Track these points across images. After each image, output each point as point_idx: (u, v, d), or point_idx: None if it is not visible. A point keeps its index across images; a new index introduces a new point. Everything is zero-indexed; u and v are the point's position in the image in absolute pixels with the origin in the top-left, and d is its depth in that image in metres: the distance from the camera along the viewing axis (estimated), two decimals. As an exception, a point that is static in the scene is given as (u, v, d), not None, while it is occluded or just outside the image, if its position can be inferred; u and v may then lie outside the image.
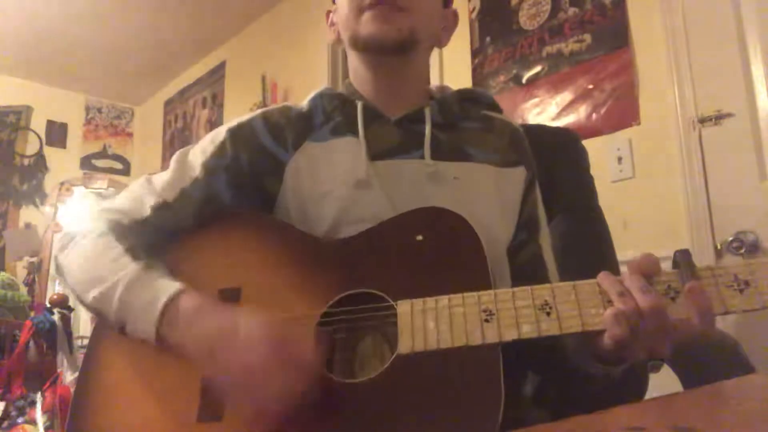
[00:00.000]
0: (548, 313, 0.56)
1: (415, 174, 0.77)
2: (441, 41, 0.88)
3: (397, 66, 0.82)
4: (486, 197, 0.78)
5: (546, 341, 0.57)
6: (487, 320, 0.57)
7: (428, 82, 0.89)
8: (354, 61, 0.85)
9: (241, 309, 0.65)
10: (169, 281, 0.67)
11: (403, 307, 0.60)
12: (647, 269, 0.56)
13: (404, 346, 0.58)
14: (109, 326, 0.70)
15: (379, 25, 0.76)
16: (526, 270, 0.80)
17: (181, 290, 0.66)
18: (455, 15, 0.90)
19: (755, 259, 0.55)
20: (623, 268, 1.02)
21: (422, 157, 0.78)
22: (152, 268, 0.70)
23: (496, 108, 0.90)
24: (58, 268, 0.77)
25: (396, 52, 0.78)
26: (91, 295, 0.70)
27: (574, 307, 0.56)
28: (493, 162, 0.81)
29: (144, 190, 0.79)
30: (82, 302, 0.73)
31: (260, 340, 0.58)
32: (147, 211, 0.76)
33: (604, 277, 0.57)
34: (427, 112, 0.81)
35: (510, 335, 0.56)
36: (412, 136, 0.80)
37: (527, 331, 0.56)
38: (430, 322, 0.58)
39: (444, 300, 0.59)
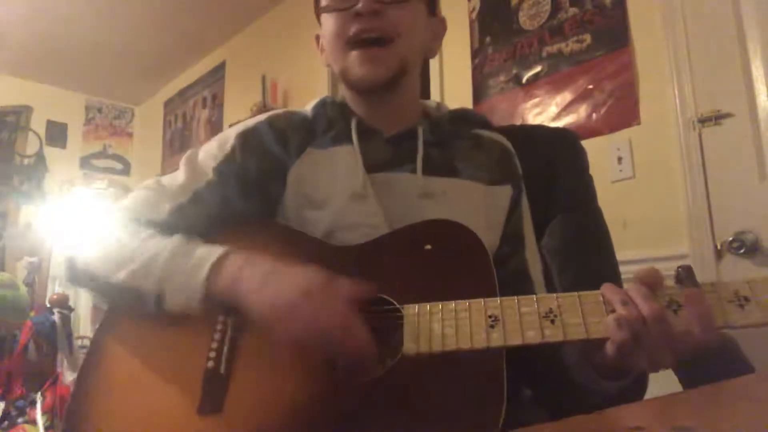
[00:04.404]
0: (552, 321, 0.57)
1: (407, 188, 0.79)
2: (431, 52, 0.88)
3: (389, 96, 0.83)
4: (472, 211, 0.80)
5: (547, 351, 0.57)
6: (492, 326, 0.58)
7: (419, 96, 0.90)
8: (346, 89, 0.86)
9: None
10: (213, 246, 0.69)
11: (409, 310, 0.61)
12: (650, 281, 0.57)
13: (409, 348, 0.59)
14: (140, 304, 0.70)
15: (368, 68, 0.77)
16: (510, 282, 0.80)
17: (228, 251, 0.68)
18: (442, 22, 0.89)
19: (756, 277, 0.56)
20: (623, 268, 1.03)
21: (413, 171, 0.80)
22: (192, 240, 0.72)
23: (487, 126, 0.91)
24: (71, 263, 0.77)
25: (388, 88, 0.80)
26: (123, 273, 0.70)
27: (577, 315, 0.57)
28: (481, 179, 0.83)
29: (158, 194, 0.79)
30: (105, 286, 0.73)
31: (310, 273, 0.63)
32: (164, 215, 0.77)
33: (607, 288, 0.58)
34: (420, 131, 0.83)
35: (514, 340, 0.57)
36: (404, 151, 0.82)
37: (531, 336, 0.56)
38: (436, 325, 0.59)
39: (450, 305, 0.60)
